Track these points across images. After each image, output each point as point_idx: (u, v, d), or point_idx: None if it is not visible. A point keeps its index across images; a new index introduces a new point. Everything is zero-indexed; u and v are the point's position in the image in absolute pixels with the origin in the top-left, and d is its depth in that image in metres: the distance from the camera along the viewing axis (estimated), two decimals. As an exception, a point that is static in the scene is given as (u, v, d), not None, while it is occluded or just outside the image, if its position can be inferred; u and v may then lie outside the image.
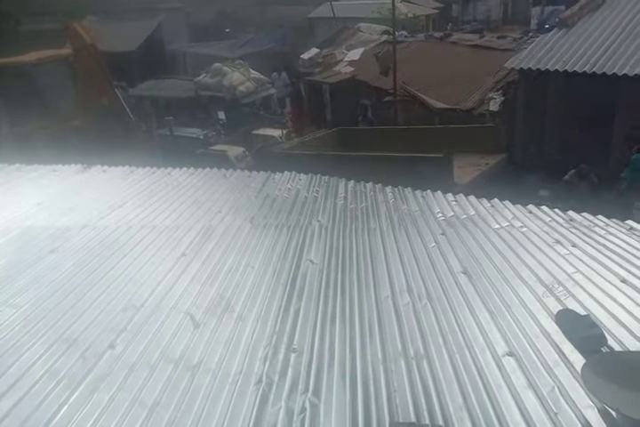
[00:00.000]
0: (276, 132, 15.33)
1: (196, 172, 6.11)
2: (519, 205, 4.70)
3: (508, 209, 4.64)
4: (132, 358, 2.71)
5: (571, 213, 4.51)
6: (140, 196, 5.30)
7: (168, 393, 2.45)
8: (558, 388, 2.35)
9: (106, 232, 4.37)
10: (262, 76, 19.84)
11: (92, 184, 5.80)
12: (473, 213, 4.58)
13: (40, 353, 2.79)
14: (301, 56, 19.71)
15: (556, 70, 10.41)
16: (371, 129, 13.70)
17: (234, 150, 13.27)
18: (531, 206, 4.67)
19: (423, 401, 2.35)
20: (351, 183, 5.54)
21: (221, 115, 17.62)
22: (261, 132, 15.67)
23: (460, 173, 9.37)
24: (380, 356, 2.68)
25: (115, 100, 13.55)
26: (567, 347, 2.62)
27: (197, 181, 5.82)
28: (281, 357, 2.71)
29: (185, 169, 6.16)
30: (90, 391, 2.47)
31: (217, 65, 19.14)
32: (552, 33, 11.56)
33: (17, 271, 3.76)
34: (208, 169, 6.19)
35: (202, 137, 15.37)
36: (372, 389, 2.45)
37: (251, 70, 19.49)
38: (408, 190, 5.22)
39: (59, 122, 12.66)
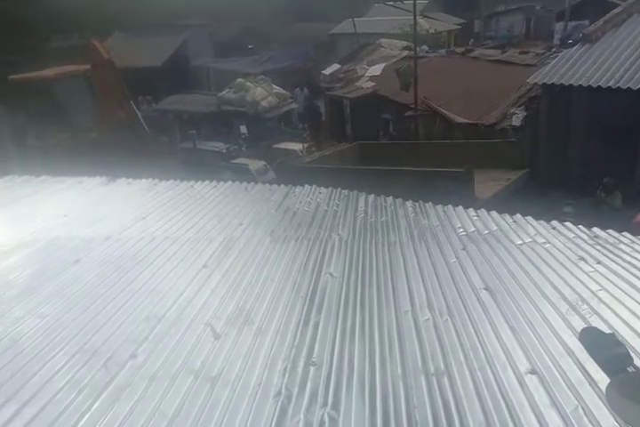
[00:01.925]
0: (297, 146, 15.47)
1: (218, 185, 6.19)
2: (542, 221, 4.64)
3: (531, 225, 4.59)
4: (153, 368, 2.73)
5: (595, 229, 4.44)
6: (164, 208, 5.38)
7: (188, 404, 2.46)
8: (582, 407, 2.30)
9: (129, 244, 4.44)
10: (284, 92, 20.10)
11: (117, 196, 5.92)
12: (495, 228, 4.54)
13: (63, 362, 2.83)
14: (323, 72, 19.95)
15: (580, 85, 10.34)
16: (391, 143, 13.74)
17: (255, 164, 13.42)
18: (554, 222, 4.61)
19: (444, 418, 2.32)
20: (371, 197, 5.55)
21: (243, 129, 17.86)
22: (282, 146, 15.83)
23: (481, 188, 9.30)
24: (399, 371, 2.65)
25: (131, 113, 13.91)
26: (591, 366, 2.56)
27: (219, 193, 5.89)
28: (300, 370, 2.71)
29: (207, 182, 6.25)
30: (111, 401, 2.50)
31: (240, 80, 19.47)
32: (575, 48, 11.51)
33: (42, 281, 3.84)
34: (230, 182, 6.27)
35: (224, 151, 15.58)
36: (391, 404, 2.42)
37: (273, 85, 19.77)
38: (429, 205, 5.20)
39: (77, 135, 13.02)
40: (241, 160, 14.17)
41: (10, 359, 2.87)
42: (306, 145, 15.67)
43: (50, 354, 2.90)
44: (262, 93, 19.01)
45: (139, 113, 14.77)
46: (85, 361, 2.82)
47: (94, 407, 2.47)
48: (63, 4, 22.03)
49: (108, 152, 12.01)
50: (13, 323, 3.25)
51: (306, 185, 5.99)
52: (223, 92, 19.69)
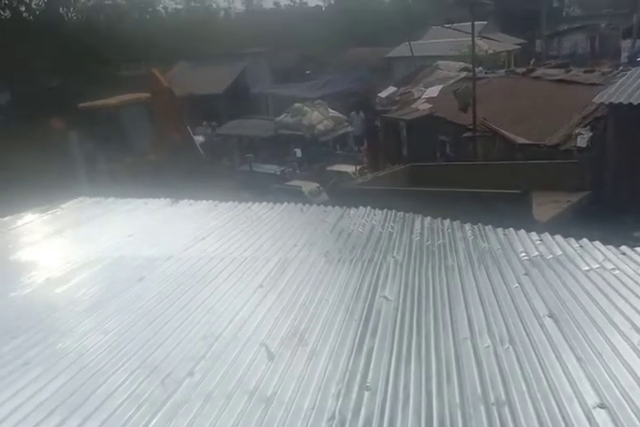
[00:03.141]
0: (350, 168, 15.62)
1: (274, 206, 6.30)
2: (611, 246, 4.40)
3: (599, 250, 4.36)
4: (209, 386, 2.77)
5: (670, 255, 4.16)
6: (223, 228, 5.52)
7: (243, 424, 2.47)
8: (659, 448, 2.13)
9: (189, 263, 4.58)
10: (340, 115, 20.40)
11: (179, 217, 6.14)
12: (560, 253, 4.34)
13: (124, 378, 2.92)
14: (379, 94, 20.09)
15: (650, 104, 9.87)
16: (444, 165, 13.56)
17: (308, 186, 13.62)
18: (624, 248, 4.36)
19: (505, 452, 2.21)
20: (427, 219, 5.47)
21: (298, 152, 18.25)
22: (335, 168, 16.04)
23: (541, 210, 8.96)
24: (457, 399, 2.56)
25: (186, 137, 14.61)
26: (668, 402, 2.38)
27: (276, 214, 5.99)
28: (354, 395, 2.66)
29: (264, 203, 6.38)
30: (169, 418, 2.55)
31: (297, 105, 19.96)
32: (644, 66, 11.05)
33: (107, 298, 4.01)
34: (286, 204, 6.37)
35: (278, 173, 15.97)
36: (448, 434, 2.34)
37: (329, 109, 20.11)
38: (488, 228, 5.06)
39: (139, 158, 13.73)
40: (295, 182, 14.45)
41: (75, 373, 2.99)
42: (358, 167, 15.76)
43: (112, 369, 3.01)
44: (318, 117, 19.38)
45: (194, 137, 15.45)
46: (145, 377, 2.90)
47: (152, 424, 2.52)
48: (134, 36, 23.53)
49: (167, 174, 12.56)
50: (80, 337, 3.41)
51: (360, 207, 5.99)
52: (281, 117, 20.22)
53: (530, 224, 6.23)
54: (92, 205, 6.82)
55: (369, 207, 5.95)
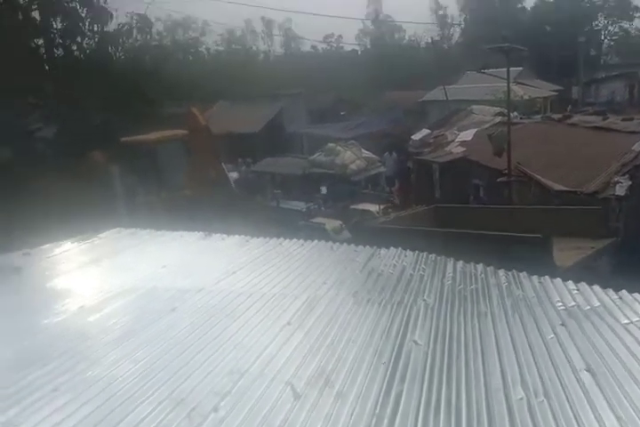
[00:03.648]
0: (374, 207, 15.70)
1: (305, 243, 6.33)
2: (652, 299, 4.24)
3: (639, 302, 4.21)
4: (234, 423, 2.74)
5: None
6: (253, 263, 5.57)
7: (266, 465, 2.42)
8: None
9: (219, 297, 4.61)
10: (373, 155, 20.65)
11: (212, 250, 6.23)
12: (597, 304, 4.20)
13: (150, 409, 2.91)
14: (412, 137, 20.31)
15: (691, 154, 9.69)
16: (469, 207, 13.50)
17: (332, 223, 13.72)
18: (666, 301, 4.20)
19: None
20: (460, 263, 5.39)
21: (323, 189, 18.53)
22: (359, 206, 16.15)
23: (563, 256, 8.80)
24: (489, 453, 2.46)
25: (221, 173, 15.01)
26: None
27: (306, 251, 6.02)
28: (381, 442, 2.59)
29: (295, 240, 6.43)
30: (192, 453, 2.52)
31: (330, 145, 20.36)
32: (685, 115, 10.92)
33: (139, 327, 4.06)
34: (316, 241, 6.40)
35: (304, 210, 16.18)
36: (479, 490, 2.23)
37: (362, 150, 20.41)
38: (523, 275, 4.96)
39: (174, 192, 14.11)
40: (318, 219, 14.59)
41: (103, 401, 3.01)
42: (382, 206, 15.84)
43: (140, 399, 3.01)
44: (351, 157, 19.69)
45: (228, 174, 15.85)
46: (171, 409, 2.88)
47: (176, 458, 2.50)
48: (178, 76, 24.64)
49: (201, 208, 12.83)
50: (109, 366, 3.44)
51: (391, 247, 5.97)
52: (314, 156, 20.62)
53: (551, 269, 6.09)
54: (128, 236, 6.99)
55: (400, 248, 5.92)
